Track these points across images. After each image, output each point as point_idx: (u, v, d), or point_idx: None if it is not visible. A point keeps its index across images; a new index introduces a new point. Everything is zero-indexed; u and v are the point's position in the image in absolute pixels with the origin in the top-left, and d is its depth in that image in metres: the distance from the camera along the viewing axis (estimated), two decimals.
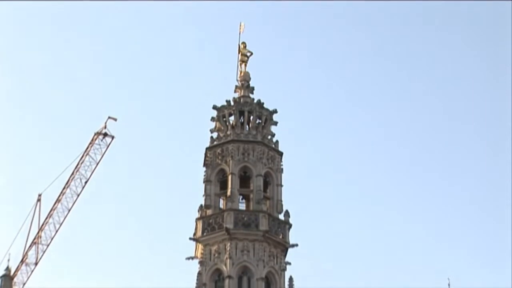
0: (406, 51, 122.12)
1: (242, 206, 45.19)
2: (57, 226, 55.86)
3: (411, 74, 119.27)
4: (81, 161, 57.66)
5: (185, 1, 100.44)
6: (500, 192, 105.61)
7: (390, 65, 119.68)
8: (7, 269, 47.65)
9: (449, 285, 49.63)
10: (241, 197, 45.42)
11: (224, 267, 42.20)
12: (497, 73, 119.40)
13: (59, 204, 56.19)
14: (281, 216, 44.39)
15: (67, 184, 56.84)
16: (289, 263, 43.70)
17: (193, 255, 44.21)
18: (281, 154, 46.54)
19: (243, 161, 45.29)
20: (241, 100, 47.49)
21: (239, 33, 50.65)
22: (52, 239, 55.50)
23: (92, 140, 58.11)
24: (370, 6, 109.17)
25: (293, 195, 47.16)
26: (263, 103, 47.45)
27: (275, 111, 47.56)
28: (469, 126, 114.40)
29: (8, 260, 48.71)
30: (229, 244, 42.50)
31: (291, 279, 42.77)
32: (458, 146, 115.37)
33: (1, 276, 46.71)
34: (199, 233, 43.62)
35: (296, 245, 44.21)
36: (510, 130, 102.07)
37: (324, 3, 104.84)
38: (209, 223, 43.61)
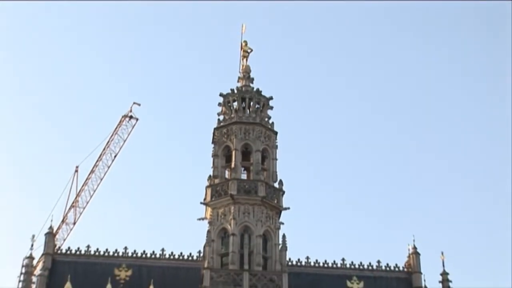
0: (402, 48, 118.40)
1: (244, 176, 46.10)
2: (91, 192, 56.77)
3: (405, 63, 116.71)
4: (111, 139, 58.43)
5: (195, 1, 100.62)
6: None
7: (386, 62, 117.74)
8: (51, 227, 47.65)
9: (414, 240, 49.55)
10: (243, 168, 46.22)
11: (229, 226, 43.17)
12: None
13: (93, 175, 57.00)
14: (276, 185, 45.08)
15: (100, 158, 57.65)
16: (283, 223, 44.40)
17: (203, 216, 45.15)
18: (276, 133, 47.12)
19: (244, 139, 46.01)
20: (243, 88, 47.98)
21: (241, 33, 51.24)
22: (87, 203, 56.37)
23: (120, 121, 58.86)
24: (368, 5, 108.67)
25: (286, 167, 47.73)
26: (261, 91, 47.82)
27: (271, 98, 47.95)
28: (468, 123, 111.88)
29: (51, 220, 49.11)
30: (233, 207, 43.47)
31: (284, 236, 43.48)
32: None
33: (46, 234, 47.00)
34: (208, 198, 44.56)
35: (288, 208, 45.02)
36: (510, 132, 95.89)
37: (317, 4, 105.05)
38: (217, 190, 44.51)
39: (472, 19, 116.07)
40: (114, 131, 58.94)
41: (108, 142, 58.56)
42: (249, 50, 50.23)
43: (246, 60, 50.04)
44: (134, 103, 59.83)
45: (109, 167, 58.17)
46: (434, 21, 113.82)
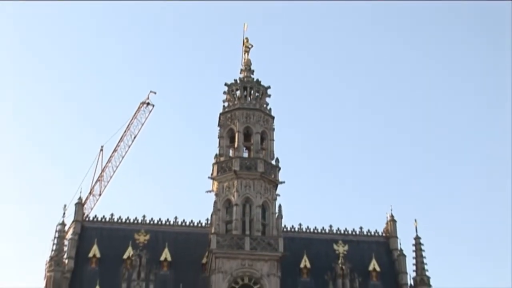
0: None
1: (245, 155, 46.13)
2: (114, 168, 56.58)
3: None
4: (131, 122, 58.02)
5: (204, 2, 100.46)
6: None
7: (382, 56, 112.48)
8: (80, 198, 47.47)
9: (391, 210, 50.01)
10: (244, 148, 46.23)
11: (232, 198, 43.67)
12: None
13: (116, 153, 56.75)
14: (273, 162, 45.37)
15: (121, 138, 57.35)
16: (279, 195, 44.96)
17: (211, 189, 45.45)
18: (273, 118, 47.18)
19: (246, 123, 46.16)
20: (245, 79, 47.87)
21: (243, 31, 51.07)
22: (111, 177, 56.28)
23: (139, 107, 58.59)
24: (368, 5, 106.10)
25: (281, 147, 48.28)
26: (260, 81, 47.81)
27: (269, 87, 47.91)
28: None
29: (80, 192, 48.80)
30: (236, 181, 43.92)
31: (280, 206, 44.03)
32: None
33: (76, 204, 46.37)
34: (215, 174, 44.90)
35: (284, 182, 45.38)
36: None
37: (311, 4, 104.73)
38: (222, 166, 44.85)
39: (472, 19, 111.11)
40: (134, 115, 58.60)
41: (129, 125, 58.11)
42: (250, 46, 50.03)
43: (248, 54, 49.79)
44: (150, 91, 59.67)
45: (129, 146, 57.91)
46: (434, 21, 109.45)
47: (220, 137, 46.58)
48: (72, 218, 46.67)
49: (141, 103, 59.08)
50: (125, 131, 58.02)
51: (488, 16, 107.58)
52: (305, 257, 45.95)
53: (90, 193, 53.97)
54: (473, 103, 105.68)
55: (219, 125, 47.09)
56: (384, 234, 49.30)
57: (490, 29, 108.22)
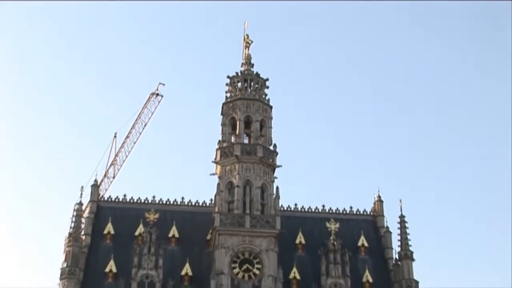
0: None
1: (246, 141, 46.16)
2: (127, 153, 56.42)
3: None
4: (142, 112, 57.84)
5: (208, 2, 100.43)
6: None
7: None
8: (95, 180, 47.28)
9: (378, 191, 50.25)
10: (245, 135, 46.29)
11: (234, 180, 43.80)
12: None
13: (128, 139, 56.55)
14: (271, 147, 45.34)
15: (133, 126, 57.16)
16: (276, 177, 44.95)
17: (214, 172, 45.41)
18: (271, 107, 47.18)
19: (246, 112, 46.16)
20: (245, 72, 47.77)
21: (244, 29, 50.91)
22: (123, 161, 56.14)
23: (149, 98, 58.39)
24: (368, 5, 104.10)
25: (279, 134, 48.05)
26: (259, 74, 47.72)
27: (267, 79, 47.81)
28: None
29: (96, 175, 48.59)
30: (237, 165, 44.02)
31: (277, 187, 44.22)
32: None
33: (92, 185, 46.89)
34: (218, 158, 44.88)
35: (281, 166, 45.41)
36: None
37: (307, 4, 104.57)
38: (225, 151, 44.81)
39: (472, 19, 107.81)
40: (144, 105, 58.44)
41: (140, 114, 57.93)
42: (250, 42, 49.94)
43: (248, 49, 49.65)
44: (159, 83, 59.46)
45: (140, 133, 57.74)
46: (434, 21, 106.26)
47: (223, 124, 46.62)
48: (88, 199, 46.94)
49: (151, 94, 58.91)
50: (136, 119, 57.90)
51: (488, 16, 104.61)
52: (300, 234, 46.18)
53: (105, 175, 53.79)
54: (468, 96, 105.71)
55: (222, 114, 47.04)
56: (372, 213, 49.45)
57: (490, 29, 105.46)
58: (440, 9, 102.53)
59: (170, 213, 46.59)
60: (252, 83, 47.37)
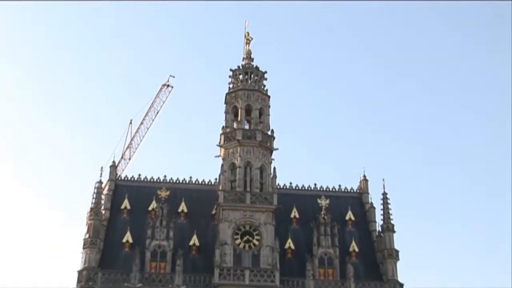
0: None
1: (246, 127, 46.19)
2: (141, 138, 56.49)
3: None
4: (154, 101, 57.84)
5: (213, 2, 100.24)
6: None
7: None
8: (113, 162, 46.97)
9: (364, 171, 50.38)
10: (246, 121, 46.36)
11: (236, 161, 44.11)
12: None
13: (142, 125, 56.63)
14: (269, 132, 45.48)
15: (147, 113, 57.26)
16: (273, 159, 45.22)
17: (219, 154, 45.52)
18: (269, 97, 47.19)
19: (247, 101, 46.27)
20: (246, 65, 47.88)
21: (245, 27, 50.68)
22: (138, 145, 56.23)
23: (160, 88, 58.33)
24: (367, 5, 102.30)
25: (276, 120, 48.28)
26: (258, 67, 47.85)
27: (265, 72, 47.89)
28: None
29: (114, 157, 48.21)
30: (239, 148, 44.29)
31: (274, 168, 44.51)
32: None
33: (110, 166, 47.53)
34: (222, 142, 45.14)
35: (277, 149, 45.67)
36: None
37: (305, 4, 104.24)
38: (228, 136, 45.08)
39: (472, 19, 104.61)
40: (156, 95, 58.47)
41: (152, 103, 57.98)
42: (250, 39, 49.78)
43: (248, 45, 49.48)
44: (170, 75, 59.41)
45: (153, 120, 57.82)
46: (434, 20, 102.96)
47: (226, 112, 46.71)
48: (107, 178, 47.12)
49: (162, 85, 58.91)
50: (149, 108, 58.02)
51: (488, 16, 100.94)
52: (294, 209, 46.43)
53: (121, 157, 54.01)
54: (455, 83, 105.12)
55: (225, 102, 47.13)
56: (358, 191, 49.64)
57: (490, 29, 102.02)
58: (440, 9, 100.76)
59: (179, 190, 46.74)
60: (252, 76, 47.49)
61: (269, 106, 47.07)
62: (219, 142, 45.53)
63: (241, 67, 47.90)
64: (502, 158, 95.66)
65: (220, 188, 43.43)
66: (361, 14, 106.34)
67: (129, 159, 54.86)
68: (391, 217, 45.28)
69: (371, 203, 47.95)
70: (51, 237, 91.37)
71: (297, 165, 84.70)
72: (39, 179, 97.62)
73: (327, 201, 46.20)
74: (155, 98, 58.39)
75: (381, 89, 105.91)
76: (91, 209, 43.39)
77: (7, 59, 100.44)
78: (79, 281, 40.50)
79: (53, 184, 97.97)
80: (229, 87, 47.54)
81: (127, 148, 55.42)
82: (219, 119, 47.18)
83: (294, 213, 46.30)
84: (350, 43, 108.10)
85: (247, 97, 46.52)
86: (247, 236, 41.91)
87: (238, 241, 41.68)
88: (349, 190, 49.52)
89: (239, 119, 46.06)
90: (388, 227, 44.73)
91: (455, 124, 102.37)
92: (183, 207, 45.60)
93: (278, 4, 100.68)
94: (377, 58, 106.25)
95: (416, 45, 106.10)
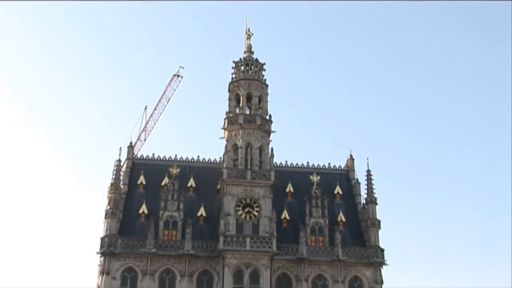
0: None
1: (247, 112, 46.09)
2: (155, 121, 56.17)
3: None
4: (166, 89, 57.31)
5: (218, 2, 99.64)
6: None
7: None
8: (130, 143, 47.87)
9: (351, 150, 50.48)
10: (247, 107, 46.40)
11: (238, 142, 44.21)
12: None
13: (155, 111, 56.20)
14: (267, 117, 45.54)
15: (159, 100, 56.79)
16: (271, 140, 45.26)
17: (223, 136, 45.53)
18: (267, 85, 47.01)
19: (248, 89, 46.18)
20: (247, 58, 47.74)
21: (246, 23, 50.32)
22: (152, 128, 55.81)
23: (171, 78, 57.82)
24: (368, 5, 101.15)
25: (273, 107, 48.14)
26: (258, 60, 47.65)
27: (264, 64, 47.70)
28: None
29: (131, 138, 48.11)
30: (241, 131, 44.37)
31: (272, 148, 44.67)
32: None
33: (128, 146, 47.33)
34: (226, 125, 45.23)
35: (274, 131, 45.72)
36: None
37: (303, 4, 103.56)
38: (231, 120, 45.15)
39: (472, 19, 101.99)
40: (168, 84, 57.92)
41: (165, 91, 57.46)
42: (251, 34, 49.52)
43: (249, 40, 49.22)
44: (180, 66, 58.93)
45: (165, 106, 57.33)
46: (433, 21, 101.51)
47: (229, 99, 46.59)
48: (125, 157, 47.26)
49: (173, 75, 58.37)
50: (162, 95, 57.61)
51: (488, 16, 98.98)
52: (289, 185, 46.55)
53: (138, 139, 53.70)
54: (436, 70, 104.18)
55: (228, 91, 46.96)
56: (345, 168, 49.82)
57: (490, 29, 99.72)
58: (440, 9, 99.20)
59: (188, 168, 46.81)
60: (252, 67, 47.48)
61: (267, 94, 47.02)
62: (223, 126, 45.58)
63: (242, 59, 47.77)
64: (481, 138, 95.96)
65: (224, 166, 43.57)
66: (356, 14, 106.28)
67: (144, 140, 55.53)
68: (374, 191, 45.64)
69: (357, 179, 48.24)
70: (78, 208, 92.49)
71: (292, 145, 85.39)
72: (70, 159, 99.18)
73: (318, 177, 46.26)
74: (166, 86, 58.07)
75: (366, 78, 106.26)
76: (112, 184, 43.71)
77: (42, 51, 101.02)
78: (101, 246, 41.07)
79: (81, 162, 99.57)
80: (232, 77, 47.38)
81: (142, 131, 55.27)
82: (223, 105, 47.18)
83: (289, 188, 46.39)
84: (337, 32, 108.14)
85: (248, 85, 46.45)
86: (248, 208, 42.13)
87: (240, 212, 41.94)
88: (337, 167, 49.62)
89: (241, 105, 46.16)
90: (371, 200, 45.09)
91: (437, 109, 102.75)
92: (191, 182, 45.72)
93: (276, 4, 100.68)
94: (365, 45, 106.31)
95: (403, 29, 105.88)
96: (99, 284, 41.16)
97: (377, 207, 44.85)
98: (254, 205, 42.20)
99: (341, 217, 44.90)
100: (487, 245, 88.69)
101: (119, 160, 45.01)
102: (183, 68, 59.18)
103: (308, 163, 49.04)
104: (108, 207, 42.59)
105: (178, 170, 45.26)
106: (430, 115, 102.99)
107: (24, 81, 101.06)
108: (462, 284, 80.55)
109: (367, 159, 47.41)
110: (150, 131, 55.70)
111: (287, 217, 44.12)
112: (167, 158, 47.54)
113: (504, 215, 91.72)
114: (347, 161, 49.92)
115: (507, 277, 74.74)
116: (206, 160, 48.12)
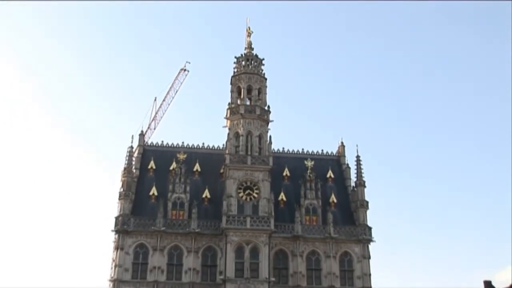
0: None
1: (248, 103, 46.01)
2: (164, 112, 55.71)
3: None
4: (174, 82, 56.86)
5: (221, 2, 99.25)
6: None
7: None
8: (141, 131, 47.72)
9: (342, 138, 50.35)
10: (247, 98, 46.24)
11: (239, 131, 44.25)
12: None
13: (164, 102, 55.76)
14: (266, 108, 45.58)
15: (168, 92, 56.30)
16: (269, 129, 45.14)
17: (225, 125, 45.56)
18: (266, 79, 46.91)
19: (248, 82, 46.17)
20: (247, 53, 47.60)
21: (246, 22, 50.13)
22: (161, 118, 55.32)
23: (179, 72, 57.40)
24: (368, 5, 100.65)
25: (271, 98, 48.02)
26: (257, 55, 47.60)
27: (263, 59, 47.64)
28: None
29: (142, 127, 48.44)
30: (242, 120, 44.43)
31: (270, 136, 44.66)
32: None
33: (139, 134, 47.04)
34: (228, 115, 45.26)
35: (273, 120, 45.78)
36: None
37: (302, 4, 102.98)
38: (233, 110, 45.16)
39: (472, 19, 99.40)
40: (176, 77, 57.49)
41: (172, 84, 56.92)
42: (251, 32, 49.31)
43: (249, 37, 49.03)
44: (186, 62, 58.45)
45: (173, 97, 56.88)
46: (433, 20, 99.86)
47: (231, 91, 46.54)
48: (137, 144, 47.35)
49: (180, 69, 58.08)
50: (170, 87, 57.31)
51: (488, 16, 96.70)
52: (286, 169, 46.52)
53: (148, 127, 53.54)
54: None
55: (231, 83, 46.94)
56: (337, 154, 49.83)
57: (490, 29, 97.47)
58: (440, 9, 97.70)
59: (194, 154, 46.93)
60: (252, 62, 47.52)
61: (266, 86, 47.06)
62: (226, 115, 45.71)
63: (243, 55, 47.73)
64: (467, 125, 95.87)
65: (227, 152, 43.74)
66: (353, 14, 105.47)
67: (154, 129, 55.54)
68: (362, 175, 45.88)
69: (347, 164, 48.39)
70: (95, 191, 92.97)
71: (288, 133, 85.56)
72: (88, 146, 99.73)
73: (312, 163, 46.20)
74: (174, 80, 57.81)
75: (356, 73, 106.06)
76: (125, 169, 43.92)
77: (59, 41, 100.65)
78: (116, 224, 41.49)
79: (98, 149, 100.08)
80: (233, 71, 47.34)
81: (152, 120, 55.17)
82: (226, 97, 47.07)
83: (286, 172, 46.42)
84: (329, 29, 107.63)
85: (248, 79, 46.46)
86: (248, 190, 42.31)
87: (241, 194, 42.15)
88: (329, 153, 49.65)
89: (242, 96, 46.20)
90: (360, 183, 45.37)
91: (421, 100, 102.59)
92: (197, 167, 45.90)
93: (273, 4, 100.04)
94: (365, 45, 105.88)
95: (394, 19, 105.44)
96: (114, 258, 41.47)
97: (365, 189, 45.07)
98: (254, 188, 42.36)
99: (333, 198, 45.07)
100: (470, 224, 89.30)
101: (131, 147, 45.10)
102: (189, 63, 59.09)
103: (303, 149, 49.05)
104: (122, 190, 42.79)
105: (184, 156, 45.12)
106: (415, 105, 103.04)
107: (47, 76, 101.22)
108: (441, 257, 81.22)
109: (357, 145, 47.77)
110: (159, 120, 55.70)
111: (284, 198, 44.30)
112: (174, 145, 47.51)
113: (484, 195, 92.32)
114: (339, 147, 49.92)
115: (486, 250, 75.05)
116: (210, 147, 48.14)
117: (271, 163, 43.03)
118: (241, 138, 43.96)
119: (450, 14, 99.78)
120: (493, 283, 49.02)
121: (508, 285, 42.07)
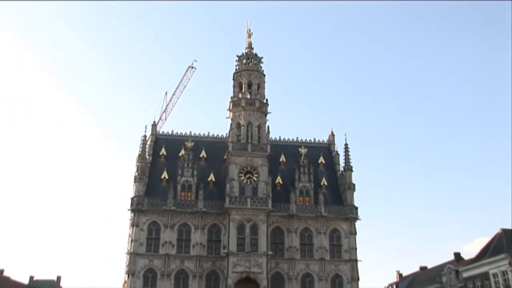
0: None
1: (248, 96, 45.76)
2: (174, 104, 55.15)
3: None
4: (182, 78, 56.26)
5: (224, 2, 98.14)
6: None
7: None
8: (154, 122, 46.96)
9: (332, 129, 50.33)
10: (248, 92, 46.03)
11: (241, 121, 44.18)
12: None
13: (174, 96, 55.24)
14: (264, 101, 45.30)
15: (177, 87, 55.75)
16: (268, 120, 45.06)
17: (228, 116, 45.34)
18: (264, 75, 46.64)
19: (249, 78, 45.98)
20: (248, 52, 47.28)
21: (247, 24, 50.12)
22: (171, 110, 54.94)
23: (187, 69, 56.83)
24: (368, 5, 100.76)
25: (269, 93, 48.11)
26: (257, 54, 47.23)
27: (262, 57, 47.35)
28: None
29: (154, 118, 48.34)
30: (243, 112, 44.33)
31: (268, 126, 44.59)
32: None
33: (152, 125, 47.00)
34: (231, 107, 45.14)
35: (271, 112, 45.58)
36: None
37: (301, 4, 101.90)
38: (235, 103, 44.97)
39: (472, 19, 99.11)
40: (184, 74, 56.88)
41: (181, 80, 56.74)
42: (251, 33, 49.04)
43: (250, 38, 48.70)
44: (194, 60, 58.44)
45: (182, 92, 56.23)
46: (433, 20, 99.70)
47: (233, 86, 46.46)
48: (150, 133, 47.24)
49: (188, 67, 57.65)
50: (179, 83, 56.95)
51: (488, 16, 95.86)
52: (282, 155, 46.60)
53: (160, 118, 53.47)
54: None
55: (233, 79, 46.80)
56: (327, 142, 49.71)
57: (490, 29, 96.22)
58: (441, 9, 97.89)
59: (201, 142, 46.88)
60: (252, 60, 47.31)
61: (265, 82, 46.91)
62: (229, 108, 45.64)
63: (244, 54, 47.54)
64: (447, 116, 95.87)
65: (230, 140, 43.76)
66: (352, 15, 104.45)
67: (165, 120, 55.49)
68: (350, 161, 45.92)
69: (336, 151, 48.40)
70: (113, 175, 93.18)
71: (285, 123, 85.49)
72: (108, 134, 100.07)
73: (305, 150, 46.18)
74: (183, 76, 57.56)
75: (345, 68, 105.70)
76: (139, 155, 43.95)
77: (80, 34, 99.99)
78: (131, 204, 41.72)
79: (116, 136, 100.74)
80: (235, 68, 47.25)
81: (163, 112, 55.01)
82: (228, 91, 47.15)
83: (282, 158, 46.48)
84: (324, 27, 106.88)
85: (249, 75, 46.32)
86: (249, 174, 42.41)
87: (242, 178, 42.25)
88: (321, 142, 49.57)
89: (243, 91, 46.09)
90: (348, 168, 45.51)
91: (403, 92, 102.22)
92: (203, 153, 45.89)
93: (273, 4, 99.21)
94: (365, 46, 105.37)
95: (385, 15, 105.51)
96: (130, 234, 41.65)
97: (352, 173, 45.13)
98: (254, 172, 42.43)
99: (324, 181, 45.15)
100: (442, 204, 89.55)
101: (145, 136, 45.06)
102: (196, 61, 58.90)
103: (297, 138, 48.98)
104: (136, 174, 42.89)
105: (192, 144, 45.12)
106: (397, 99, 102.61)
107: (72, 69, 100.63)
108: (417, 232, 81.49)
109: (345, 134, 48.26)
110: (170, 112, 55.60)
111: (280, 181, 44.37)
112: (183, 134, 47.40)
113: (456, 179, 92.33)
114: (329, 136, 49.82)
115: (456, 226, 75.09)
116: (215, 136, 48.01)
117: (269, 150, 43.07)
118: (242, 128, 43.96)
119: (450, 14, 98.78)
120: (462, 255, 49.87)
121: (474, 256, 43.17)
